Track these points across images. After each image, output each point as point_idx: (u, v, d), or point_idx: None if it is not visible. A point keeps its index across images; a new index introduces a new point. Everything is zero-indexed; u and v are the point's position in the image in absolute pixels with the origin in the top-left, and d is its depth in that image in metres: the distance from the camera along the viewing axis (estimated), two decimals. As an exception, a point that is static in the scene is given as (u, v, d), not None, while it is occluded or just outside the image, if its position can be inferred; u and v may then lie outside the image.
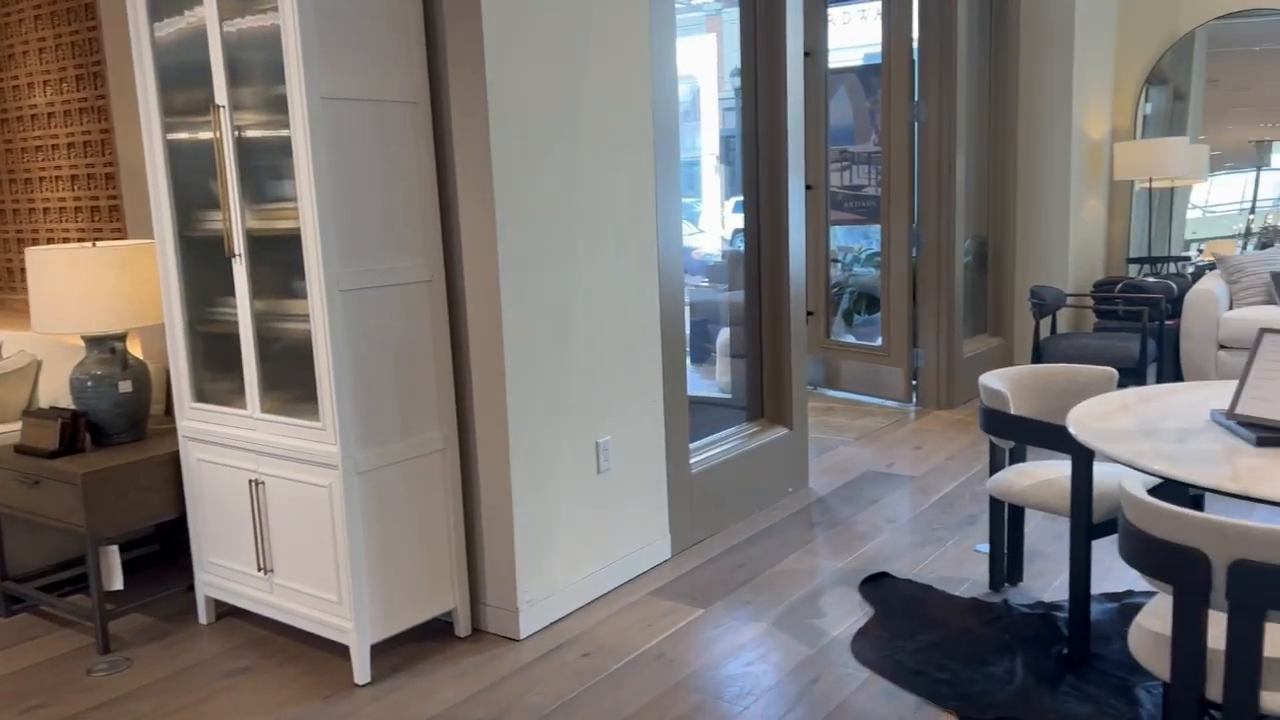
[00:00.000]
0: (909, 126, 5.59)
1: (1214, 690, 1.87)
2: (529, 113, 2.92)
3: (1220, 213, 6.92)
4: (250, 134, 2.81)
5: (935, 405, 5.74)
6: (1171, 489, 2.55)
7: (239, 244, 2.84)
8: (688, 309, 6.25)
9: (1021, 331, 6.27)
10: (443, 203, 2.94)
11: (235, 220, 2.83)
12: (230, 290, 2.92)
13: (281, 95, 2.65)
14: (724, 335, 5.73)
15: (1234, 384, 2.74)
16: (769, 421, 4.34)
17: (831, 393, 6.26)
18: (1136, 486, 1.99)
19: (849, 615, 3.12)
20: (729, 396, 4.70)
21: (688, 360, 5.56)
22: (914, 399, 5.84)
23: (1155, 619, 2.09)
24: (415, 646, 3.01)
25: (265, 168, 2.82)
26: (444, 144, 2.90)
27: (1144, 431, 2.45)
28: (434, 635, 3.07)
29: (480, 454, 3.00)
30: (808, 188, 6.07)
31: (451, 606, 3.03)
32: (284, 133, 2.70)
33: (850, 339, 6.43)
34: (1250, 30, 6.46)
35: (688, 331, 6.04)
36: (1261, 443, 2.27)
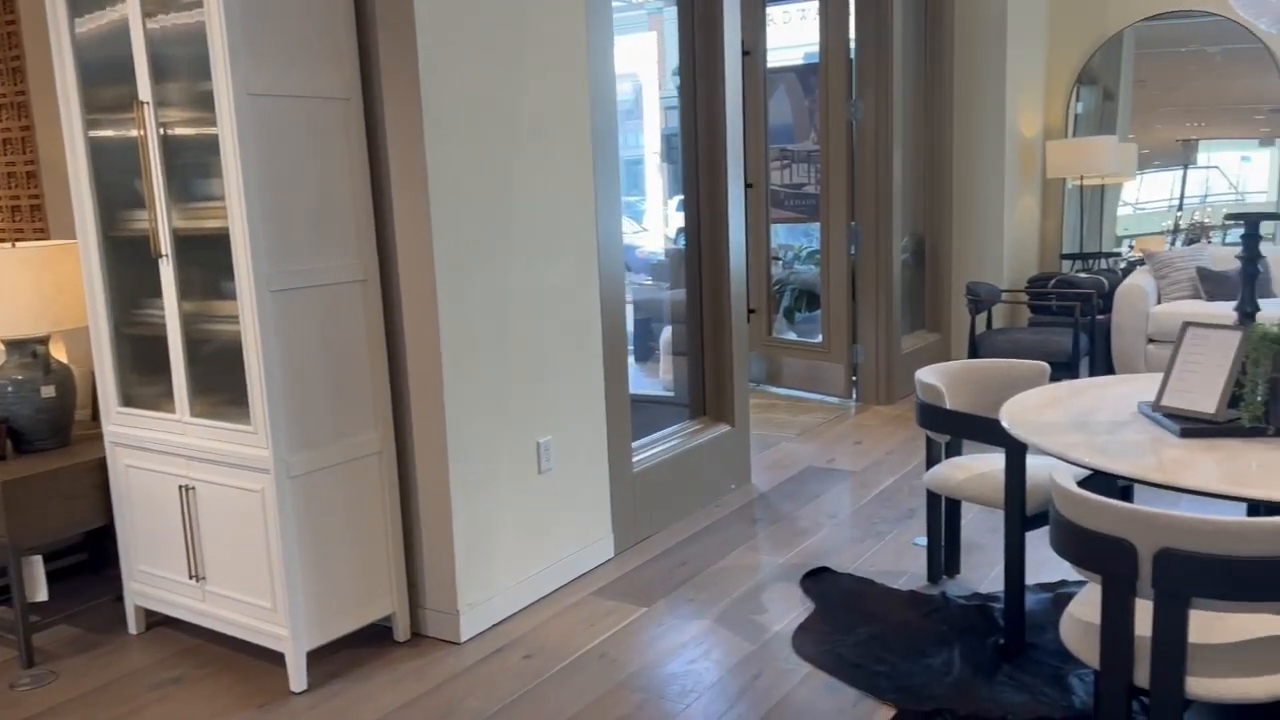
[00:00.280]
0: (846, 125, 5.65)
1: (1142, 677, 1.91)
2: (464, 109, 2.89)
3: (1150, 210, 7.10)
4: (176, 131, 2.74)
5: (875, 401, 5.81)
6: (1101, 480, 2.60)
7: (166, 244, 2.77)
8: (631, 307, 6.27)
9: (959, 327, 6.37)
10: (377, 201, 2.89)
11: (161, 219, 2.76)
12: (157, 291, 2.85)
13: (208, 91, 2.58)
14: (667, 333, 5.74)
15: (1161, 376, 2.80)
16: (711, 419, 4.35)
17: (774, 389, 6.30)
18: (1066, 478, 2.03)
19: (790, 610, 3.14)
20: (672, 395, 4.70)
21: (631, 359, 5.57)
22: (854, 395, 5.90)
23: (1086, 608, 2.13)
24: (353, 652, 2.96)
25: (192, 165, 2.75)
26: (377, 141, 2.86)
27: (1074, 424, 2.49)
28: (372, 641, 3.02)
29: (418, 456, 2.96)
30: (748, 186, 6.10)
31: (390, 611, 2.99)
32: (211, 130, 2.64)
33: (792, 336, 6.48)
34: (1176, 32, 6.63)
35: (631, 330, 6.04)
36: (1185, 434, 2.33)
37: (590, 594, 3.30)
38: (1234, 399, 2.34)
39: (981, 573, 3.38)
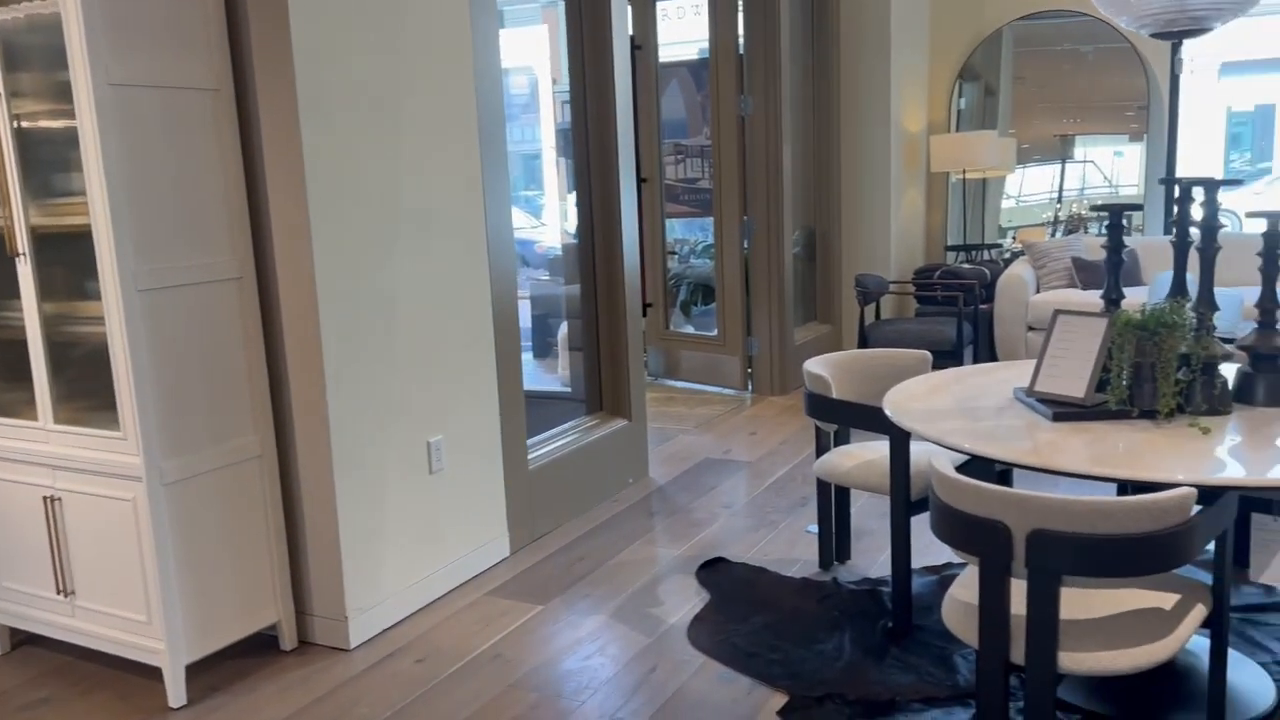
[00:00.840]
0: (737, 121, 5.70)
1: (1018, 654, 1.97)
2: (343, 101, 2.81)
3: (1032, 202, 7.37)
4: (34, 123, 2.59)
5: (770, 392, 5.89)
6: (980, 465, 2.68)
7: (23, 242, 2.62)
8: (529, 303, 6.21)
9: (849, 318, 6.50)
10: (252, 195, 2.79)
11: (18, 216, 2.60)
12: (15, 292, 2.69)
13: (66, 82, 2.45)
14: (564, 329, 5.71)
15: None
16: (608, 414, 4.35)
17: (672, 383, 6.33)
18: (945, 464, 2.08)
19: (686, 602, 3.15)
20: (569, 390, 4.68)
21: (529, 354, 5.51)
22: (750, 386, 5.97)
23: (965, 590, 2.19)
24: (236, 663, 2.85)
25: (51, 159, 2.61)
26: (251, 133, 2.76)
27: (953, 411, 2.56)
28: (257, 651, 2.92)
29: (301, 459, 2.87)
30: (642, 180, 6.11)
31: (275, 619, 2.89)
32: (70, 122, 2.50)
33: (690, 329, 6.51)
34: (1051, 31, 6.89)
35: (529, 325, 5.98)
36: (1058, 417, 2.41)
37: (485, 594, 3.26)
38: (1101, 383, 2.44)
39: (871, 558, 3.45)
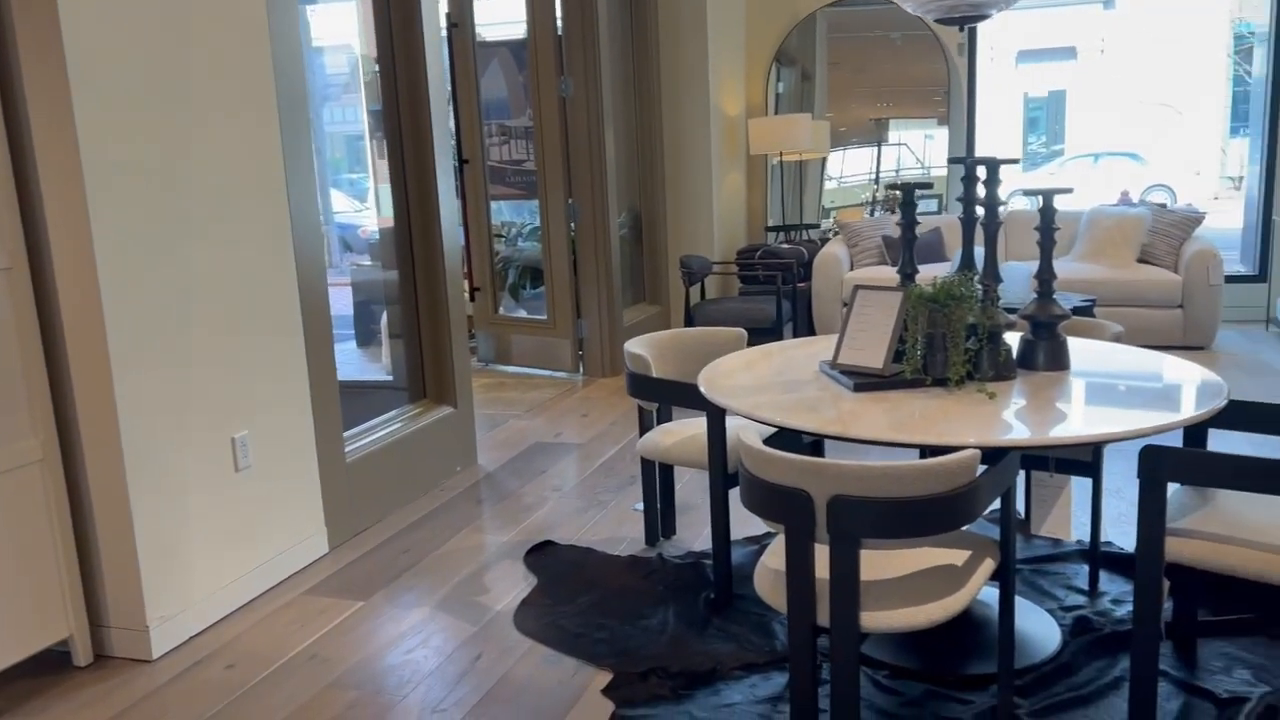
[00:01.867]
0: (559, 102, 5.67)
1: (824, 616, 2.05)
2: (122, 80, 2.62)
3: (852, 183, 7.68)
4: None
5: (601, 374, 5.91)
6: (790, 437, 2.77)
7: None
8: (351, 290, 6.00)
9: (676, 299, 6.60)
10: (21, 180, 2.56)
11: None
12: None
13: None
14: (387, 316, 5.55)
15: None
16: (432, 401, 4.26)
17: (503, 368, 6.27)
18: (751, 436, 2.13)
19: (514, 588, 3.13)
20: (391, 379, 4.55)
21: (352, 343, 5.32)
22: (581, 369, 5.98)
23: (775, 558, 2.26)
24: (25, 683, 2.64)
25: None
26: (16, 113, 2.53)
27: (763, 386, 2.63)
28: (48, 668, 2.71)
29: (89, 461, 2.67)
30: (464, 162, 6.00)
31: (66, 634, 2.69)
32: None
33: (522, 314, 6.46)
34: (861, 17, 7.17)
35: (351, 313, 5.78)
36: (859, 388, 2.51)
37: (302, 593, 3.14)
38: (898, 354, 2.56)
39: (696, 532, 3.52)
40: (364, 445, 3.72)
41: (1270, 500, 2.40)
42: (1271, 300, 6.69)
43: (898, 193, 7.76)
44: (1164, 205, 6.64)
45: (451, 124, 6.11)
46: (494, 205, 6.42)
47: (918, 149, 7.41)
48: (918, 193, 2.73)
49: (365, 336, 6.33)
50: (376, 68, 4.11)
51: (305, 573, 3.29)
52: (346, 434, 3.68)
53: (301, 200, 3.30)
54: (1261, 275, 6.78)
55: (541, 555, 3.37)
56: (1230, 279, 6.62)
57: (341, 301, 5.60)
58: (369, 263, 7.88)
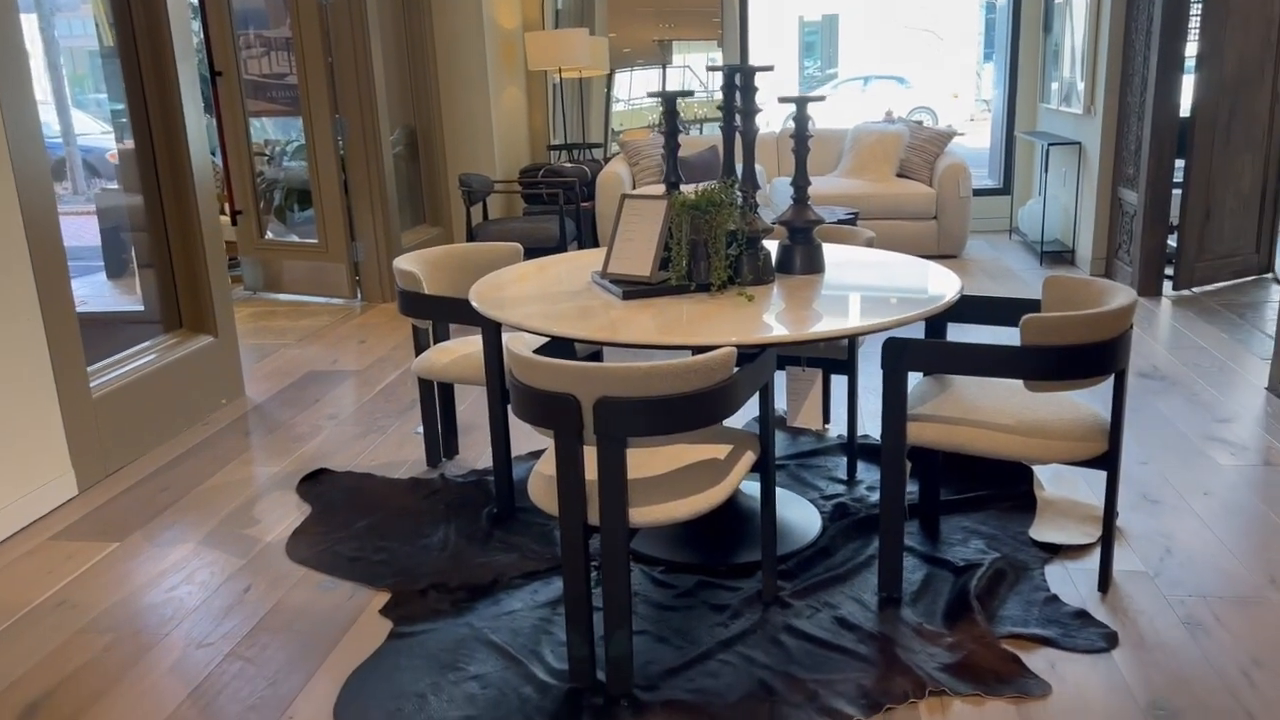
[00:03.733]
0: (318, 10, 5.33)
1: (594, 515, 2.09)
2: None
3: (641, 105, 7.69)
4: None
5: (380, 299, 5.73)
6: (562, 348, 2.77)
7: None
8: (97, 217, 5.50)
9: (458, 220, 6.46)
10: None
11: None
12: None
13: None
14: (137, 244, 5.13)
15: (612, 247, 3.03)
16: (189, 331, 3.99)
17: (274, 296, 5.96)
18: (519, 345, 2.12)
19: (286, 518, 3.01)
20: (142, 309, 4.23)
21: (101, 274, 4.89)
22: (359, 294, 5.77)
23: (547, 464, 2.28)
24: None
25: None
26: None
27: (535, 297, 2.62)
28: None
29: None
30: (217, 74, 5.57)
31: None
32: None
33: (293, 238, 6.13)
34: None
35: (99, 242, 5.30)
36: (627, 296, 2.54)
37: (48, 539, 2.90)
38: (664, 262, 2.60)
39: (479, 451, 3.50)
40: (112, 380, 3.45)
41: (998, 385, 2.64)
42: (1014, 210, 7.28)
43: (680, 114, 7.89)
44: (920, 123, 7.05)
45: (199, 31, 5.64)
46: (256, 122, 6.01)
47: (701, 73, 7.50)
48: (697, 112, 2.75)
49: (116, 266, 5.84)
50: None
51: (51, 517, 3.04)
52: (92, 369, 3.40)
53: (19, 120, 2.95)
54: (1006, 188, 7.36)
55: (315, 484, 3.26)
56: (979, 192, 7.15)
57: (90, 230, 5.13)
58: (117, 187, 7.26)
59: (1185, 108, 5.12)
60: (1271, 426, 3.46)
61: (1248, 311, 4.94)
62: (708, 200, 2.54)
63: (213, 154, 6.24)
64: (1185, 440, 3.37)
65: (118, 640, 2.37)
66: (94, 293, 5.14)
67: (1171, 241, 5.40)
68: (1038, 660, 2.19)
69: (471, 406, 3.92)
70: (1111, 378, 2.33)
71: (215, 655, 2.30)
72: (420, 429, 3.70)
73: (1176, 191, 5.25)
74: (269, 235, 6.01)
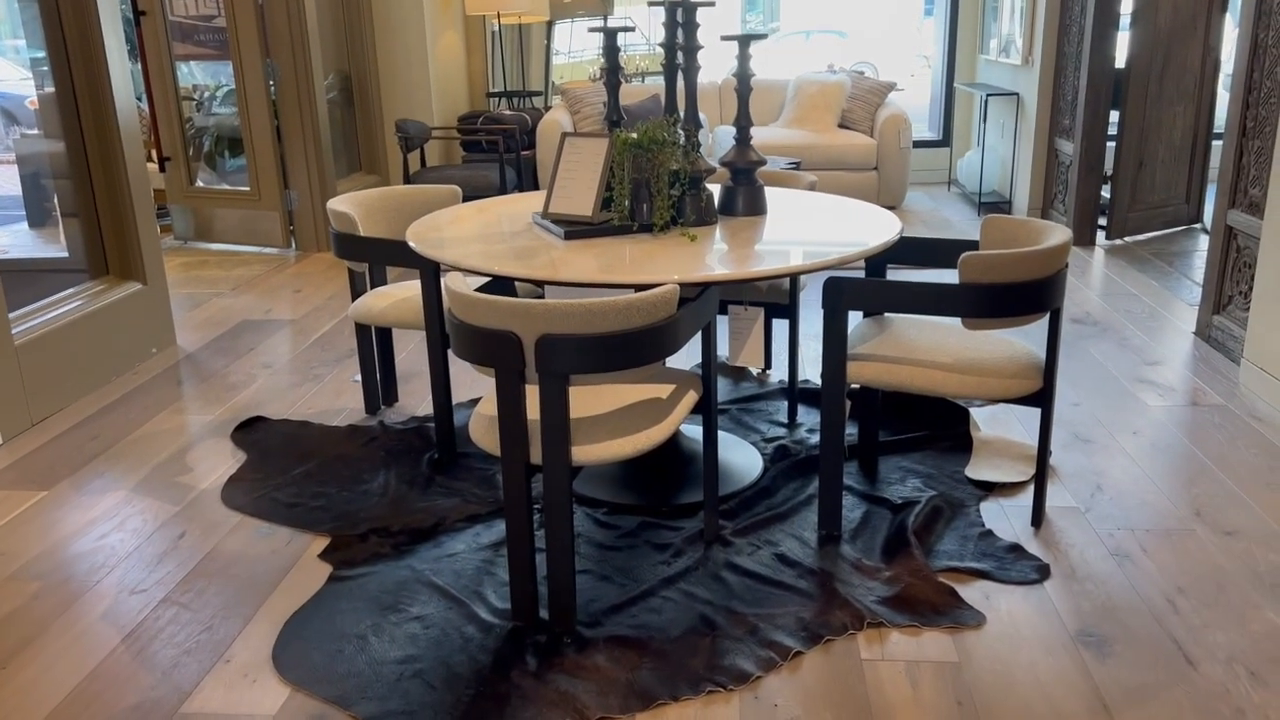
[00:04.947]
0: (249, -53, 5.14)
1: (536, 455, 2.07)
2: None
3: (584, 57, 7.58)
4: None
5: (316, 248, 5.60)
6: (503, 288, 2.74)
7: None
8: (15, 165, 5.28)
9: (396, 168, 6.33)
10: None
11: None
12: None
13: None
14: (60, 191, 4.94)
15: (553, 189, 2.99)
16: (116, 278, 3.86)
17: (206, 245, 5.79)
18: (459, 283, 2.08)
19: (220, 466, 2.95)
20: (67, 256, 4.08)
21: (21, 224, 4.71)
22: (293, 243, 5.64)
23: (488, 404, 2.25)
24: None
25: None
26: None
27: (475, 238, 2.57)
28: None
29: None
30: (141, 13, 5.36)
31: None
32: None
33: (224, 186, 5.95)
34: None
35: (19, 191, 5.10)
36: (569, 236, 2.51)
37: (-30, 489, 2.81)
38: (606, 201, 2.57)
39: (419, 398, 3.45)
40: (35, 327, 3.33)
41: (936, 326, 2.67)
42: (953, 162, 7.35)
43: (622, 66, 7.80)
44: (862, 74, 7.05)
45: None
46: (184, 66, 5.80)
47: (644, 26, 7.40)
48: (639, 65, 2.70)
49: (39, 215, 5.63)
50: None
51: (-27, 468, 2.95)
52: (13, 315, 3.28)
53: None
54: (945, 141, 7.42)
55: (251, 431, 3.19)
56: (918, 144, 7.20)
57: (10, 179, 4.92)
58: (37, 133, 6.98)
59: (1120, 60, 5.19)
60: (1198, 369, 3.56)
61: (1177, 260, 5.06)
62: (650, 138, 2.51)
63: (139, 99, 6.02)
64: (1116, 382, 3.45)
65: (47, 588, 2.31)
66: (16, 241, 4.95)
67: (1105, 192, 5.50)
68: (973, 592, 2.24)
69: (410, 355, 3.87)
70: (1046, 317, 2.37)
71: (149, 601, 2.25)
72: (358, 377, 3.64)
73: (1111, 143, 5.34)
74: (199, 183, 5.83)
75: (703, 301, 2.22)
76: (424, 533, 2.54)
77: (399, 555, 2.44)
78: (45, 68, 3.71)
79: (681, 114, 2.67)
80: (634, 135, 2.53)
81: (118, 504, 2.72)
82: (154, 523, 2.61)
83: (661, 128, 2.52)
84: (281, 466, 2.93)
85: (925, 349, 2.48)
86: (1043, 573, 2.31)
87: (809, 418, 3.21)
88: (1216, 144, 5.56)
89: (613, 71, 2.67)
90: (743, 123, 2.75)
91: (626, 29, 2.72)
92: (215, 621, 2.17)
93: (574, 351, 1.96)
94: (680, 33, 2.59)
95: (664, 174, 2.53)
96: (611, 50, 2.65)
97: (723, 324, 3.68)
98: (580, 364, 1.98)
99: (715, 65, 9.65)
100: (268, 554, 2.45)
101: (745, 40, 2.65)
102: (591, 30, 2.80)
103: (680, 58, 2.64)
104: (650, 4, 2.86)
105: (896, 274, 3.33)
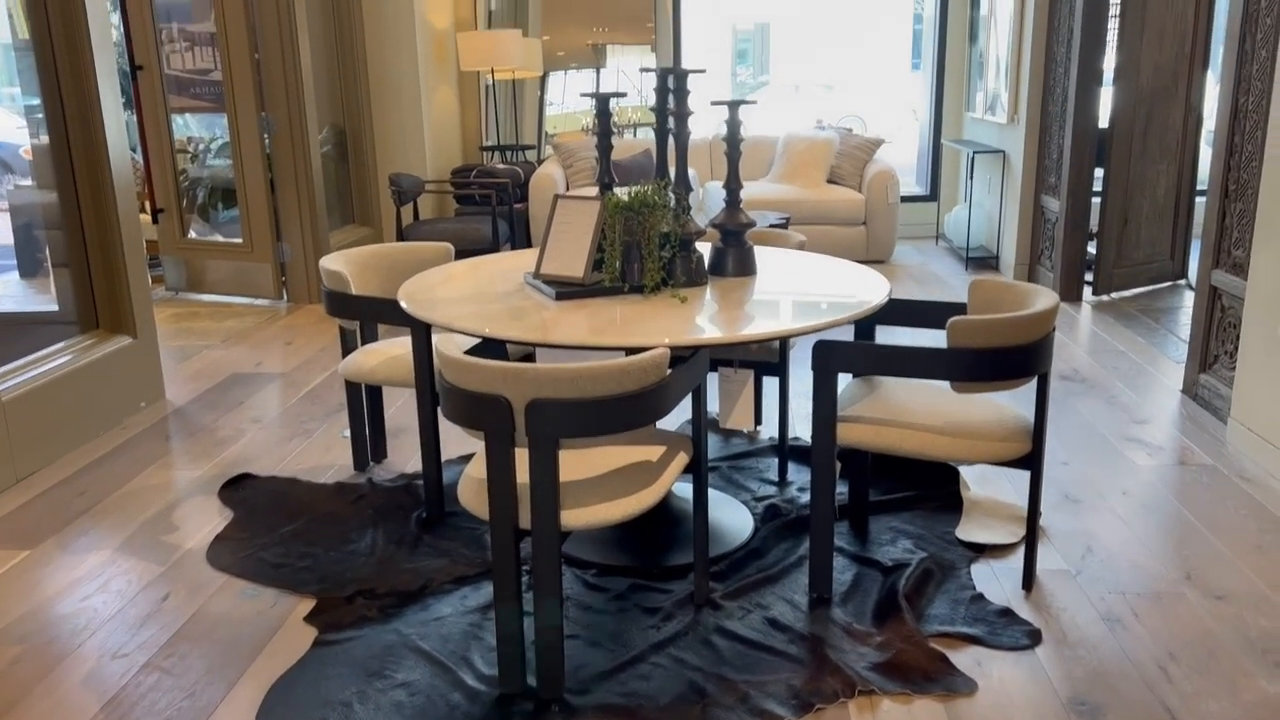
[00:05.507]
0: (243, 5, 5.21)
1: (525, 519, 2.06)
2: None
3: (575, 108, 7.66)
4: None
5: (307, 300, 5.61)
6: (494, 349, 2.74)
7: None
8: (8, 214, 5.30)
9: (389, 221, 6.36)
10: None
11: None
12: None
13: None
14: (52, 242, 4.95)
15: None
16: (106, 332, 3.86)
17: (197, 296, 5.80)
18: (450, 347, 2.08)
19: (207, 524, 2.93)
20: (57, 309, 4.08)
21: (13, 274, 4.71)
22: (285, 295, 5.65)
23: (478, 467, 2.25)
24: None
25: None
26: None
27: (466, 298, 2.58)
28: None
29: None
30: (137, 68, 5.41)
31: None
32: None
33: (217, 238, 5.97)
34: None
35: (11, 240, 5.11)
36: (560, 297, 2.52)
37: (-48, 548, 2.78)
38: (597, 263, 2.59)
39: (408, 455, 3.44)
40: (23, 382, 3.32)
41: (925, 388, 2.68)
42: (940, 217, 7.43)
43: (614, 117, 7.87)
44: (850, 130, 7.15)
45: (119, 25, 5.47)
46: (179, 119, 5.85)
47: (635, 76, 7.50)
48: (630, 117, 2.74)
49: (30, 266, 5.63)
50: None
51: (-44, 526, 2.92)
52: (0, 370, 3.27)
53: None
54: (933, 195, 7.50)
55: (238, 489, 3.17)
56: (906, 199, 7.28)
57: (1, 228, 4.93)
58: (30, 184, 7.00)
59: (1104, 118, 5.28)
60: (1185, 428, 3.58)
61: (1163, 316, 5.10)
62: (641, 201, 2.53)
63: (133, 150, 6.06)
64: (1104, 441, 3.47)
65: (28, 651, 2.28)
66: (6, 292, 4.95)
67: (1091, 248, 5.56)
68: (964, 658, 2.22)
69: (400, 410, 3.86)
70: (1035, 380, 2.38)
71: (131, 666, 2.22)
72: (347, 432, 3.62)
73: (1096, 200, 5.41)
74: (192, 234, 5.85)
75: (693, 363, 2.23)
76: (411, 595, 2.52)
77: (385, 619, 2.41)
78: (40, 115, 3.74)
79: (672, 176, 2.70)
80: (625, 198, 2.56)
81: (102, 564, 2.69)
82: (138, 583, 2.58)
83: (653, 191, 2.55)
84: (269, 525, 2.91)
85: (915, 411, 2.49)
86: (1034, 638, 2.30)
87: (799, 475, 3.20)
88: (1200, 200, 5.64)
89: (605, 135, 2.70)
90: (733, 185, 2.78)
91: (619, 95, 2.76)
92: (198, 688, 2.14)
93: (564, 416, 1.96)
94: (671, 99, 2.63)
95: (654, 236, 2.55)
96: (604, 115, 2.68)
97: (712, 382, 3.69)
98: (571, 428, 1.98)
99: (705, 120, 9.78)
100: (253, 616, 2.43)
101: (735, 105, 2.69)
102: (584, 95, 2.84)
103: (671, 122, 2.67)
104: (643, 70, 2.90)
105: (886, 335, 3.35)
